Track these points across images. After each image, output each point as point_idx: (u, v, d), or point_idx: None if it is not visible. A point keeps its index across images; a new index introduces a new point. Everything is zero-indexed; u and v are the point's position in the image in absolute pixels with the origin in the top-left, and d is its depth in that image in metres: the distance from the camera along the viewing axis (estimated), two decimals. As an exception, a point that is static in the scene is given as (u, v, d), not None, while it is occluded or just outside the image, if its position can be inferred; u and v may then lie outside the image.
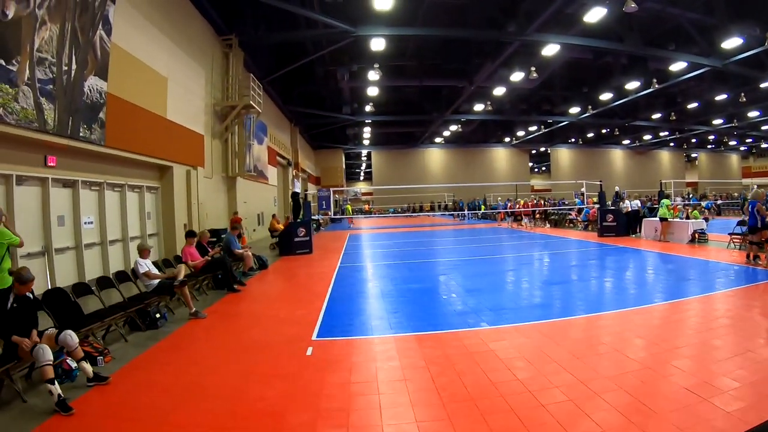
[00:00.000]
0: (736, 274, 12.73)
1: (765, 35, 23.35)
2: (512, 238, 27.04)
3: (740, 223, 17.34)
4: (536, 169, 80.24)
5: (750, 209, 14.35)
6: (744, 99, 39.10)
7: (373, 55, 27.30)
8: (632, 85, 34.39)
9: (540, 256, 19.24)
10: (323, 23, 21.84)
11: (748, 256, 14.53)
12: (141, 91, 14.17)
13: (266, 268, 16.50)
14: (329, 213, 46.39)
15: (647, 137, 64.60)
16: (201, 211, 18.75)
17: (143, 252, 10.21)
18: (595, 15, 20.70)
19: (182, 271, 10.58)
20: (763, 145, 73.39)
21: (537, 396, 5.23)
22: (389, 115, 45.48)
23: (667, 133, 61.09)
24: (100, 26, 11.50)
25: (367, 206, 67.49)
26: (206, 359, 7.19)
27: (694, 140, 69.33)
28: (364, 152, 69.13)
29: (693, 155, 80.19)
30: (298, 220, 21.87)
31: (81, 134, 10.82)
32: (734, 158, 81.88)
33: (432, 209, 59.83)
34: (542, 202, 39.48)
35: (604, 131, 59.54)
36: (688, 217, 21.81)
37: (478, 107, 41.64)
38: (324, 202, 25.82)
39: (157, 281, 9.88)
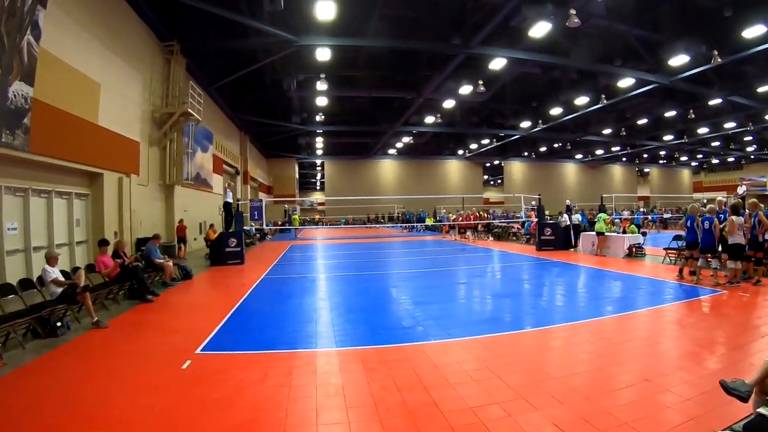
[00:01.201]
0: (658, 290, 12.99)
1: (711, 53, 24.13)
2: (449, 251, 27.14)
3: (676, 238, 17.86)
4: (492, 182, 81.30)
5: (688, 224, 14.18)
6: (693, 116, 40.47)
7: (319, 65, 27.52)
8: (581, 100, 35.23)
9: (465, 270, 19.02)
10: (265, 32, 21.98)
11: (680, 272, 14.58)
12: (71, 97, 14.21)
13: (190, 279, 16.34)
14: (278, 223, 46.49)
15: (599, 152, 66.29)
16: (134, 219, 18.72)
17: (51, 259, 10.17)
18: (540, 30, 21.09)
19: (82, 277, 10.54)
20: (714, 161, 75.58)
21: (475, 412, 5.32)
22: (341, 125, 45.80)
23: (618, 148, 62.49)
24: (28, 31, 11.57)
25: (317, 216, 67.41)
26: (85, 368, 7.22)
27: (645, 155, 71.15)
28: (319, 162, 69.23)
29: (645, 170, 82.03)
30: (230, 230, 21.86)
31: (3, 139, 10.87)
32: (686, 173, 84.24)
33: (383, 220, 60.10)
34: (485, 214, 39.89)
35: (556, 145, 60.82)
36: (624, 232, 22.33)
37: (429, 119, 42.14)
38: (256, 213, 25.79)
39: (61, 289, 9.88)
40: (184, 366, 7.05)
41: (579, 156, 70.72)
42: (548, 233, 24.49)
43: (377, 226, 59.10)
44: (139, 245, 18.02)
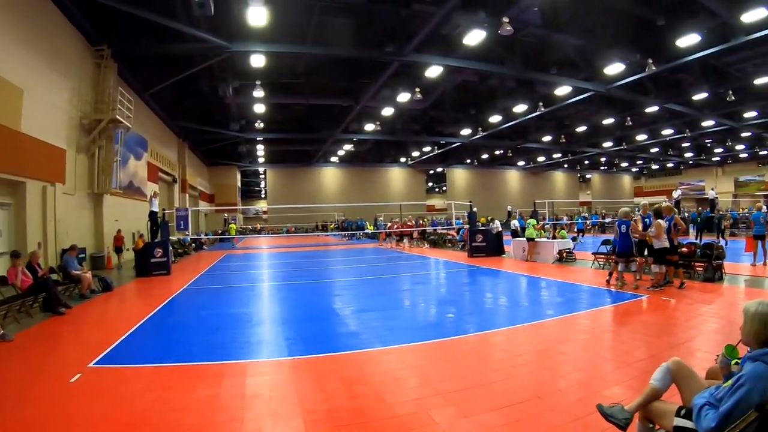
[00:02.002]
0: (578, 296, 13.28)
1: (646, 61, 24.83)
2: (381, 259, 27.26)
3: (604, 243, 18.24)
4: (436, 189, 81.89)
5: (620, 229, 14.03)
6: (630, 123, 41.81)
7: (255, 71, 27.48)
8: (520, 108, 35.88)
9: (392, 279, 19.00)
10: (197, 37, 21.77)
11: (610, 275, 14.75)
12: (-11, 104, 13.92)
13: (110, 291, 15.88)
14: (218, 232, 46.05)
15: (541, 158, 68.02)
16: (59, 229, 18.34)
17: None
18: (474, 38, 21.41)
19: None
20: (654, 167, 77.81)
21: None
22: (281, 133, 45.60)
23: (559, 155, 64.26)
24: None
25: (258, 225, 66.98)
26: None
27: (586, 162, 72.92)
28: (262, 170, 68.82)
29: (587, 176, 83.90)
30: (156, 240, 21.46)
31: None
32: (627, 179, 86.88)
33: (326, 229, 60.03)
34: (422, 222, 40.12)
35: (497, 152, 61.77)
36: (554, 237, 22.71)
37: (369, 127, 42.42)
38: (182, 222, 25.47)
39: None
40: (73, 379, 6.92)
41: (521, 163, 72.34)
42: (480, 240, 24.78)
43: (318, 234, 59.08)
44: (64, 256, 17.69)
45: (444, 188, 73.32)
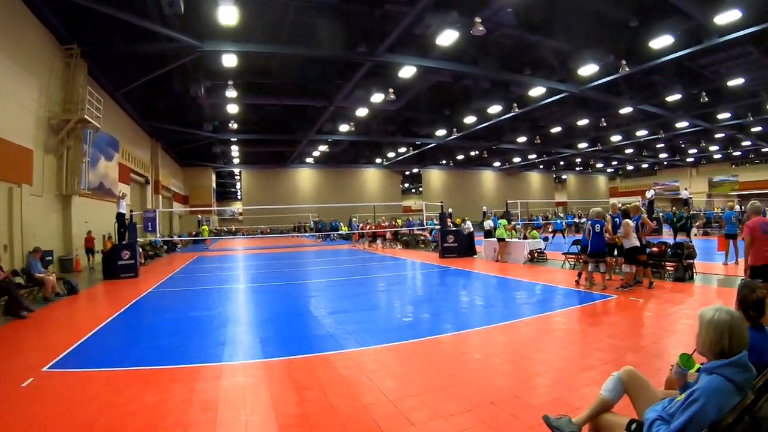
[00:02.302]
0: (546, 297, 13.26)
1: (620, 63, 25.03)
2: (352, 260, 27.17)
3: (575, 243, 18.26)
4: (413, 190, 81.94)
5: (594, 229, 13.64)
6: (605, 124, 42.21)
7: (227, 71, 27.34)
8: (494, 108, 35.99)
9: (361, 280, 18.89)
10: (167, 36, 21.54)
11: (579, 275, 14.69)
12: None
13: (75, 294, 15.48)
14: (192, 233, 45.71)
15: (516, 159, 68.52)
16: (26, 231, 18.08)
17: None
18: (447, 38, 21.44)
19: None
20: (629, 167, 78.68)
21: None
22: (255, 134, 45.46)
23: (535, 155, 64.79)
24: None
25: (233, 227, 66.61)
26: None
27: (562, 162, 73.53)
28: (237, 171, 68.52)
29: (563, 176, 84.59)
30: (124, 243, 21.08)
31: None
32: (602, 179, 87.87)
33: (301, 231, 59.86)
34: (395, 223, 40.11)
35: (473, 153, 62.20)
36: (525, 237, 22.75)
37: (343, 128, 42.48)
38: (150, 224, 25.25)
39: None
40: (25, 384, 6.82)
41: (497, 163, 72.85)
42: (451, 240, 24.81)
43: (292, 235, 58.93)
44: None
45: (420, 189, 73.42)
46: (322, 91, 33.27)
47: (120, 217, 21.83)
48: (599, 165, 79.32)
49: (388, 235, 36.70)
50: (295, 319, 11.28)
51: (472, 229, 25.83)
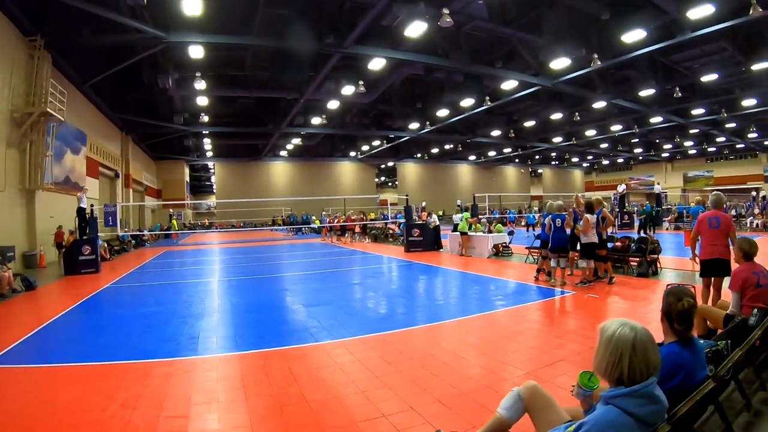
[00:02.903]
0: (502, 293, 13.18)
1: (592, 56, 25.08)
2: (318, 254, 27.39)
3: (538, 237, 18.26)
4: (390, 184, 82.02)
5: (554, 223, 13.58)
6: (579, 118, 42.53)
7: (196, 62, 27.19)
8: (467, 102, 35.95)
9: (319, 274, 18.65)
10: (133, 28, 21.32)
11: (538, 272, 14.68)
12: None
13: (33, 289, 15.40)
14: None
15: (492, 153, 68.70)
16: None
17: None
18: (415, 30, 21.36)
19: None
20: (605, 162, 79.32)
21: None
22: (227, 126, 45.36)
23: (510, 149, 65.03)
24: None
25: (206, 220, 66.19)
26: None
27: (537, 156, 73.89)
28: (212, 164, 68.09)
29: (539, 170, 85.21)
30: (84, 238, 20.74)
31: None
32: (578, 173, 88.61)
33: (277, 224, 59.69)
34: (362, 217, 40.12)
35: (447, 146, 62.35)
36: (490, 231, 22.77)
37: (316, 120, 42.42)
38: (110, 218, 25.04)
39: None
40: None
41: (472, 157, 73.05)
42: (416, 234, 24.89)
43: (264, 229, 58.73)
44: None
45: (397, 182, 73.42)
46: (292, 84, 33.09)
47: (81, 211, 21.56)
48: (575, 159, 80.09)
49: (357, 229, 36.79)
50: (241, 315, 11.16)
51: (437, 223, 25.89)
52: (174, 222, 49.39)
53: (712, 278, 8.39)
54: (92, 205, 22.99)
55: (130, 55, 25.79)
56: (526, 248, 18.90)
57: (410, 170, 72.18)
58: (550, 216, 13.87)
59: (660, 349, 2.79)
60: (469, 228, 22.53)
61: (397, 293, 14.16)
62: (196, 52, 24.27)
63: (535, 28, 24.37)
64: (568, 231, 13.53)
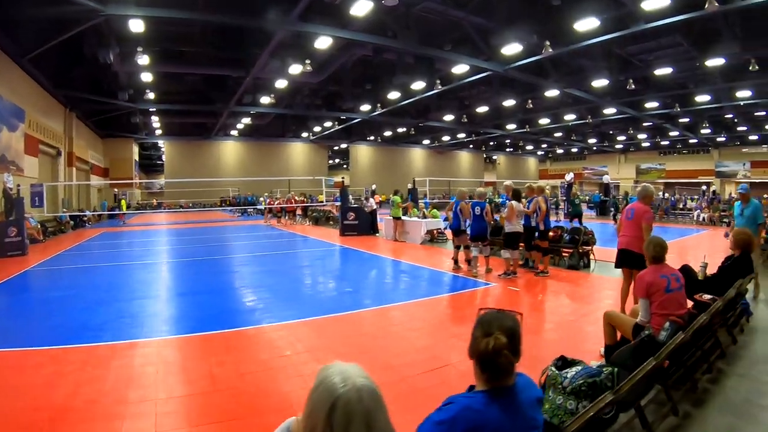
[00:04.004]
0: (417, 282, 13.38)
1: (543, 43, 25.03)
2: (251, 236, 27.65)
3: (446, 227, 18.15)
4: (344, 166, 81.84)
5: (474, 211, 13.55)
6: (531, 106, 42.96)
7: (137, 37, 26.41)
8: (418, 85, 35.68)
9: (244, 258, 18.79)
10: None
11: (455, 261, 14.53)
12: None
13: None
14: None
15: (446, 138, 69.00)
16: None
17: None
18: (361, 8, 21.07)
19: None
20: (559, 151, 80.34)
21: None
22: (175, 104, 44.58)
23: (464, 135, 65.53)
24: None
25: (154, 201, 65.17)
26: None
27: (492, 143, 74.57)
28: (162, 143, 66.80)
29: (494, 157, 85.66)
30: (10, 219, 20.26)
31: None
32: (532, 161, 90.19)
33: (224, 205, 59.25)
34: (303, 199, 39.89)
35: (400, 130, 62.16)
36: (425, 216, 22.70)
37: (265, 100, 41.83)
38: (37, 198, 24.51)
39: None
40: None
41: (426, 141, 73.40)
42: (351, 218, 24.92)
43: (210, 209, 58.21)
44: None
45: (350, 165, 73.33)
46: (239, 61, 32.71)
47: (6, 192, 20.95)
48: (529, 147, 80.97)
49: (299, 211, 36.93)
50: (150, 301, 10.92)
51: (375, 207, 25.96)
52: (123, 202, 48.37)
53: (632, 270, 8.31)
54: (18, 185, 22.35)
55: (71, 28, 24.85)
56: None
57: (363, 153, 72.29)
58: (464, 203, 14.03)
59: (455, 398, 2.33)
60: (404, 213, 22.48)
61: (313, 281, 14.02)
62: (137, 25, 23.63)
63: (488, 12, 24.36)
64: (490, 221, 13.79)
